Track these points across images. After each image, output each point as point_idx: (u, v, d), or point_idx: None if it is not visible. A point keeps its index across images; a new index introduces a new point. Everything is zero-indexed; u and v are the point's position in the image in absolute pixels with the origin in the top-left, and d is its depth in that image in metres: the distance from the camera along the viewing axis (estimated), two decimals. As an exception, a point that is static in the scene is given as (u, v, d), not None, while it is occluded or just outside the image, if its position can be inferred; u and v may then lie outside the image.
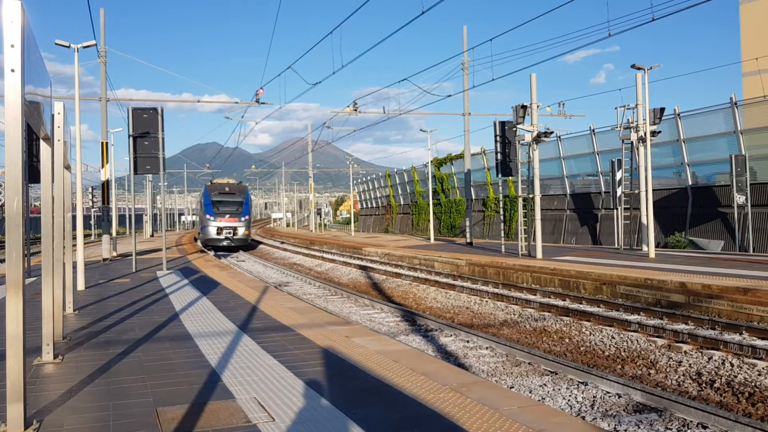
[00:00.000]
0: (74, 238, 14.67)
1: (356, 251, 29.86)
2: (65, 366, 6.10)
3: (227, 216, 33.86)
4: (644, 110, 19.13)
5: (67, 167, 8.67)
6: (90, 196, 39.20)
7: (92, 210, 47.16)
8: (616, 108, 20.38)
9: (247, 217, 34.84)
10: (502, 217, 26.01)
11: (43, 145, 6.10)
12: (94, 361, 6.32)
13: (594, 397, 7.24)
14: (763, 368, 8.05)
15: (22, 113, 3.88)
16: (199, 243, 36.19)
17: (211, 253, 29.66)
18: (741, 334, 9.81)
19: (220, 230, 33.69)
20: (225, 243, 33.90)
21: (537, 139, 19.16)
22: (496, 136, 21.70)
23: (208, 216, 34.03)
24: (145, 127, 16.09)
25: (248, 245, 37.11)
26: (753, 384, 7.61)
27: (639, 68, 18.98)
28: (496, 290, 15.72)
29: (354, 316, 13.50)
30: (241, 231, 33.97)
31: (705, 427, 6.09)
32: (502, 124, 21.67)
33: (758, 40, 30.04)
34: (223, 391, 5.08)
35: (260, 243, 45.49)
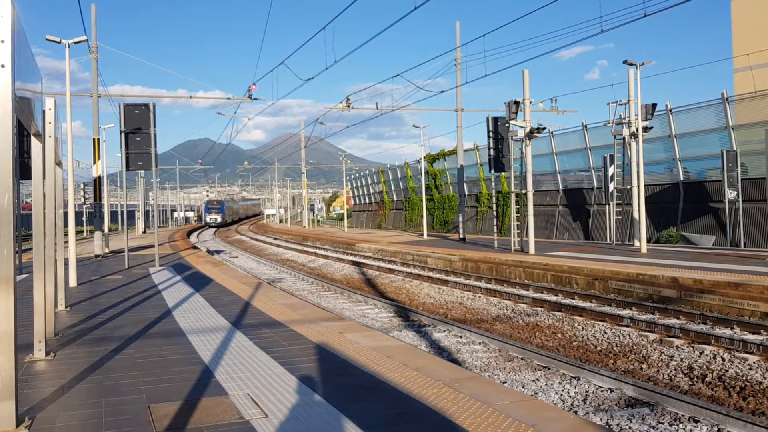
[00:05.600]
0: (66, 234, 14.60)
1: (349, 247, 29.86)
2: (57, 363, 6.08)
3: (213, 212, 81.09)
4: (636, 106, 19.18)
5: (59, 163, 8.63)
6: (82, 193, 39.05)
7: (84, 206, 46.94)
8: (608, 104, 20.41)
9: (222, 213, 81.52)
10: (494, 213, 26.01)
11: (34, 141, 6.07)
12: (86, 358, 6.31)
13: (586, 391, 7.28)
14: (754, 362, 8.12)
15: (12, 109, 3.85)
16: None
17: (204, 249, 31.06)
18: (732, 328, 9.88)
19: (210, 218, 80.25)
20: (212, 223, 79.57)
21: (530, 134, 19.19)
22: (488, 132, 21.74)
23: (206, 213, 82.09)
24: (137, 123, 16.01)
25: (223, 224, 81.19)
26: (744, 378, 7.67)
27: (631, 64, 19.00)
28: (489, 286, 15.76)
29: (347, 312, 13.51)
30: (219, 219, 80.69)
31: (697, 421, 6.13)
32: (495, 120, 21.70)
33: (749, 36, 30.11)
34: (216, 388, 5.08)
35: (230, 225, 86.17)
